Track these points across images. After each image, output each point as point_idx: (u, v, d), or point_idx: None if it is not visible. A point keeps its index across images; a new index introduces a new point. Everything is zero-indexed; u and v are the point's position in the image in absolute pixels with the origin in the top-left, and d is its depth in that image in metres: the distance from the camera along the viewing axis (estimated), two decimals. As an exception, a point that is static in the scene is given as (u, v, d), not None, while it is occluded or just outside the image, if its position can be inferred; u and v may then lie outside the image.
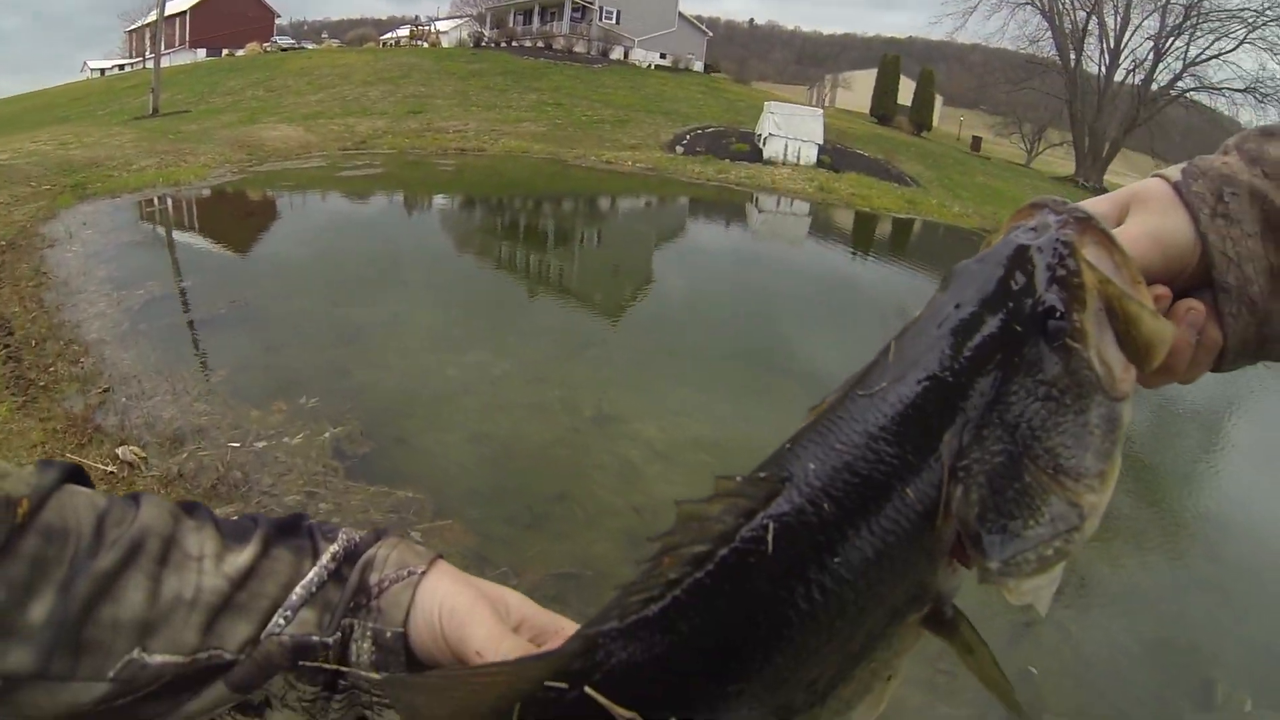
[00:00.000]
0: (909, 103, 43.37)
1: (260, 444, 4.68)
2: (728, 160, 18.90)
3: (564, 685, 0.52)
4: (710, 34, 52.14)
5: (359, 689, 0.73)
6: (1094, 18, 36.30)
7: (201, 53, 49.81)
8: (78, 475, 0.72)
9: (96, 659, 0.64)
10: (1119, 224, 0.67)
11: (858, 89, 54.60)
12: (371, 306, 7.33)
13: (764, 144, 20.05)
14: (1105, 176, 36.12)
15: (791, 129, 20.15)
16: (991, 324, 0.56)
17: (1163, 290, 0.64)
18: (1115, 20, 36.33)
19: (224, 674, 0.69)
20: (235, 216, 11.32)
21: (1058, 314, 0.55)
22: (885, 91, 42.06)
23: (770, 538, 0.51)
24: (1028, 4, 36.88)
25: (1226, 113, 37.60)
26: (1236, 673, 4.41)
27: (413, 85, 26.13)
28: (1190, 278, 0.66)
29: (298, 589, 0.72)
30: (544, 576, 3.94)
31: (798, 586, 0.51)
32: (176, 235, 9.84)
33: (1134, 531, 5.73)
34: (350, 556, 0.75)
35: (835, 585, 0.51)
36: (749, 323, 8.63)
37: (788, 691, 0.53)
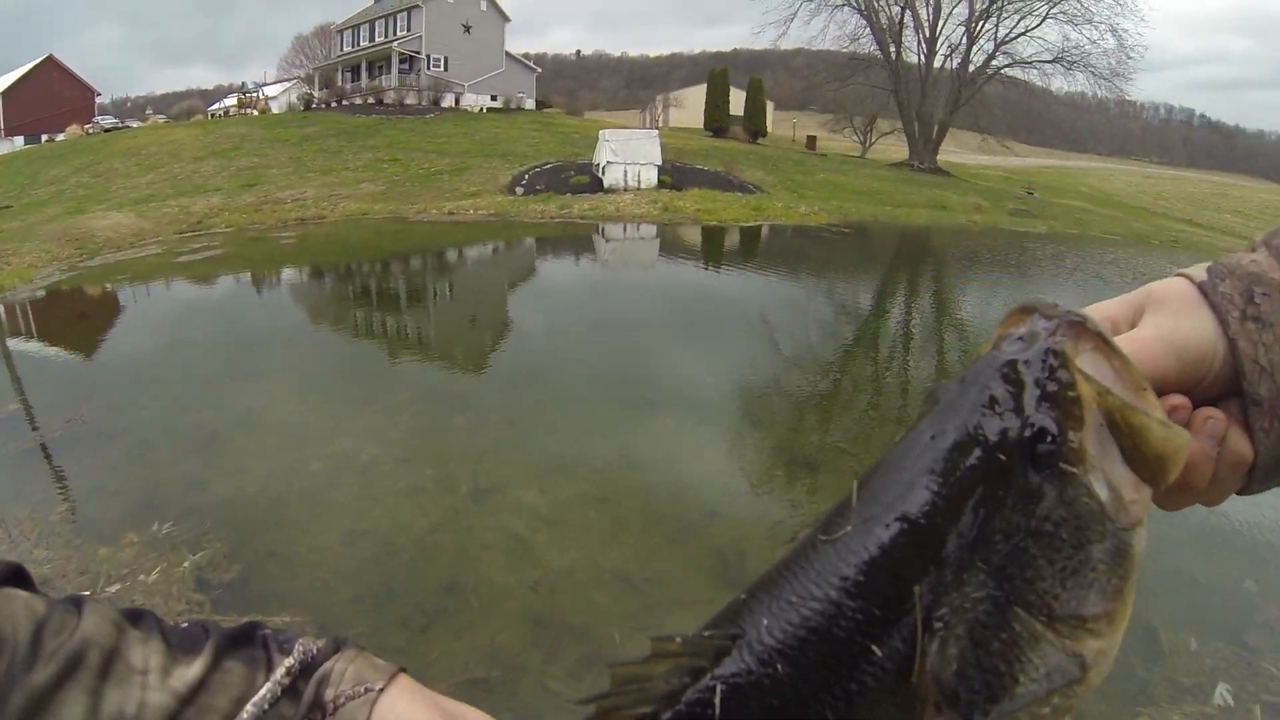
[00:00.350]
0: (741, 112, 44.26)
1: (113, 588, 4.18)
2: (569, 194, 18.79)
3: None
4: (539, 70, 52.18)
5: None
6: (908, 11, 38.01)
7: (19, 140, 46.87)
8: (17, 576, 0.68)
9: None
10: (1133, 326, 0.62)
11: (690, 106, 55.43)
12: (223, 405, 6.76)
13: (603, 173, 20.00)
14: (938, 156, 38.03)
15: (629, 154, 20.18)
16: (972, 455, 0.49)
17: (1180, 400, 0.58)
18: (928, 11, 38.29)
19: None
20: (67, 320, 10.42)
21: (1048, 437, 0.49)
22: (716, 104, 42.83)
23: (718, 701, 0.46)
24: (845, 5, 38.19)
25: (1039, 84, 40.81)
26: (1174, 613, 4.46)
27: (245, 157, 25.03)
28: (1213, 386, 0.60)
29: (249, 706, 0.67)
30: (453, 685, 3.62)
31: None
32: (-2, 352, 8.94)
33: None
34: (306, 670, 0.71)
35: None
36: (615, 356, 8.42)
37: None
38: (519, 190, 19.61)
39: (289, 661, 0.71)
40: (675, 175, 20.95)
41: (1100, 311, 0.63)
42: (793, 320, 10.78)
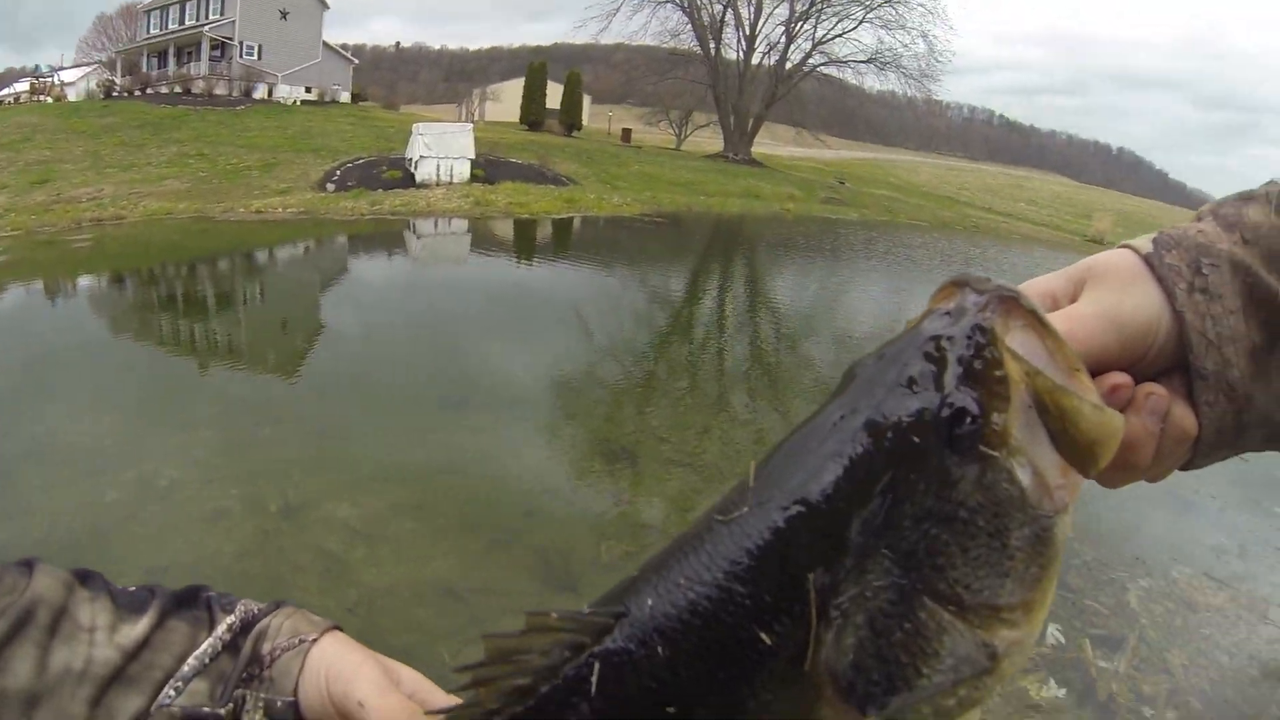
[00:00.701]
0: (558, 106, 43.91)
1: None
2: (381, 190, 18.08)
3: None
4: (356, 61, 49.88)
5: None
6: (729, 9, 38.98)
7: None
8: None
9: None
10: (1073, 301, 0.59)
11: (507, 99, 54.39)
12: (6, 435, 6.08)
13: (415, 168, 19.42)
14: (753, 149, 39.02)
15: (442, 148, 19.66)
16: (883, 437, 0.46)
17: (1122, 379, 0.55)
18: (749, 10, 39.27)
19: None
20: None
21: (968, 418, 0.45)
22: (533, 98, 42.21)
23: (594, 677, 0.44)
24: (668, 1, 38.65)
25: (853, 82, 42.92)
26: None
27: (36, 150, 22.50)
28: (1157, 360, 0.58)
29: (190, 660, 0.68)
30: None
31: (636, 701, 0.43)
32: None
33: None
34: (246, 627, 0.71)
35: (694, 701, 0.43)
36: (428, 356, 8.19)
37: None
38: (330, 186, 18.73)
39: (230, 619, 0.71)
40: (489, 169, 20.58)
41: (1038, 286, 0.61)
42: (606, 310, 10.81)
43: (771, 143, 47.31)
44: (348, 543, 4.83)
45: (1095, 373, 0.54)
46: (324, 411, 6.61)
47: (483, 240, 14.92)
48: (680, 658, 0.43)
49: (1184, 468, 0.60)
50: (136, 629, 0.68)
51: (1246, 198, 0.61)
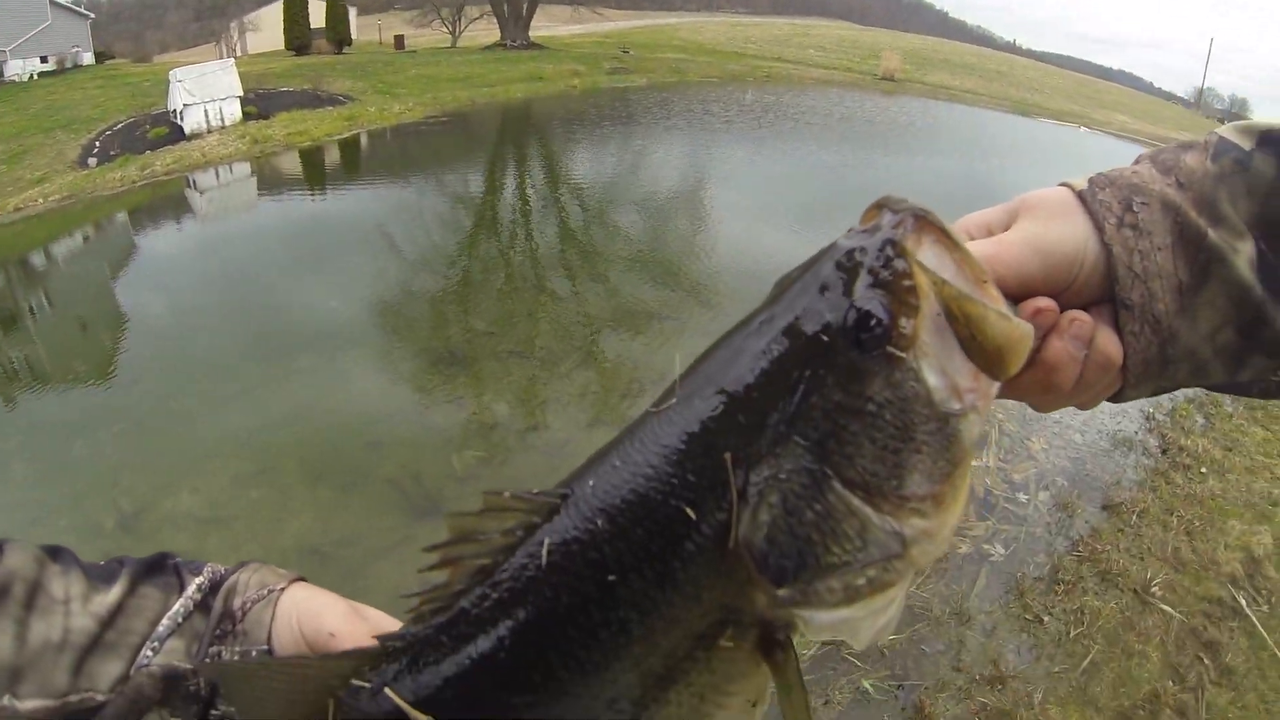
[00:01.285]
0: (323, 24, 40.44)
1: None
2: (148, 152, 16.19)
3: (367, 684, 0.51)
4: (92, 16, 43.93)
5: (231, 718, 0.68)
6: None
7: None
8: None
9: None
10: (1007, 229, 0.62)
11: (267, 27, 49.12)
12: None
13: (182, 119, 17.46)
14: (530, 33, 36.99)
15: (205, 91, 17.67)
16: (798, 335, 0.50)
17: (1046, 302, 0.58)
18: None
19: (95, 715, 0.64)
20: None
21: (873, 321, 0.49)
22: (295, 20, 38.56)
23: (544, 553, 0.49)
24: None
25: None
26: None
27: None
28: (1084, 291, 0.60)
29: (164, 621, 0.68)
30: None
31: (574, 602, 0.48)
32: None
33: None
34: (215, 587, 0.72)
35: (613, 603, 0.48)
36: (239, 314, 7.62)
37: (587, 707, 0.49)
38: (92, 162, 16.67)
39: (199, 579, 0.72)
40: (260, 103, 18.77)
41: (976, 218, 0.63)
42: (410, 223, 10.28)
43: (549, 24, 45.35)
44: (198, 534, 4.53)
45: (1022, 298, 0.57)
46: (139, 403, 6.07)
47: (269, 180, 13.77)
48: (619, 532, 0.48)
49: (1115, 399, 0.62)
50: (109, 597, 0.68)
51: (1186, 146, 0.62)
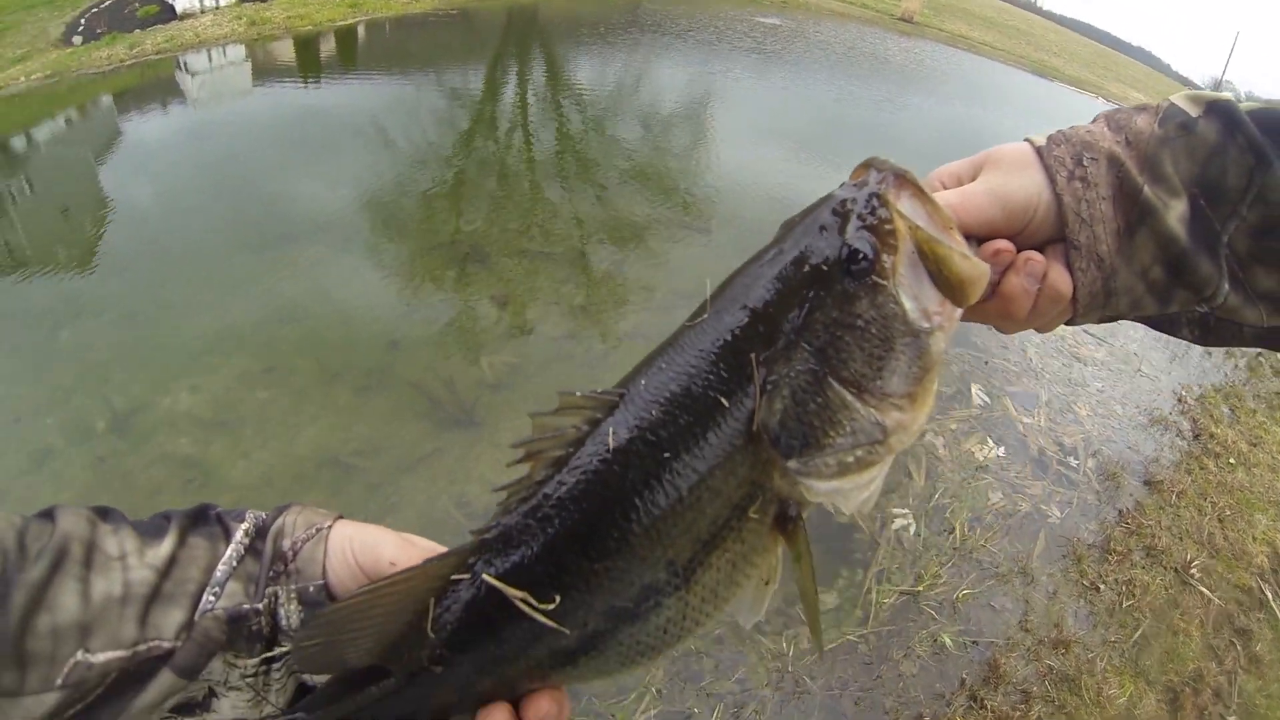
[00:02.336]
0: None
1: None
2: (138, 31, 14.94)
3: (466, 577, 0.60)
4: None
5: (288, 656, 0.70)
6: None
7: None
8: None
9: (42, 669, 0.61)
10: (973, 179, 0.73)
11: None
12: None
13: (173, -3, 16.23)
14: None
15: (197, -32, 16.40)
16: (803, 265, 0.63)
17: (1004, 244, 0.70)
18: None
19: (167, 662, 0.66)
20: None
21: (861, 256, 0.61)
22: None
23: (611, 440, 0.59)
24: None
25: None
26: None
27: None
28: (1039, 232, 0.71)
29: (220, 567, 0.70)
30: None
31: (638, 478, 0.59)
32: None
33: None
34: (261, 531, 0.74)
35: (669, 476, 0.59)
36: (234, 202, 6.85)
37: (650, 569, 0.60)
38: (77, 39, 15.38)
39: (245, 525, 0.74)
40: (255, -17, 17.52)
41: (948, 169, 0.76)
42: (406, 120, 9.39)
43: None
44: (201, 439, 3.98)
45: (986, 238, 0.71)
46: (129, 293, 5.39)
47: (265, 67, 12.71)
48: (669, 419, 0.60)
49: (1070, 323, 0.76)
50: (163, 550, 0.69)
51: (1141, 108, 0.73)
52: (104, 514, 0.71)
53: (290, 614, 0.70)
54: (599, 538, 0.59)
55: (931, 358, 0.62)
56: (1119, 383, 5.83)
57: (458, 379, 4.52)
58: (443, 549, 0.69)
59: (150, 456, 3.88)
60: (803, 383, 0.60)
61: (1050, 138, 0.71)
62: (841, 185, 0.66)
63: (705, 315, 0.63)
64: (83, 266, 5.91)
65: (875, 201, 0.62)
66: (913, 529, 4.10)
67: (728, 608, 0.64)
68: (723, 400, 0.59)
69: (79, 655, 0.62)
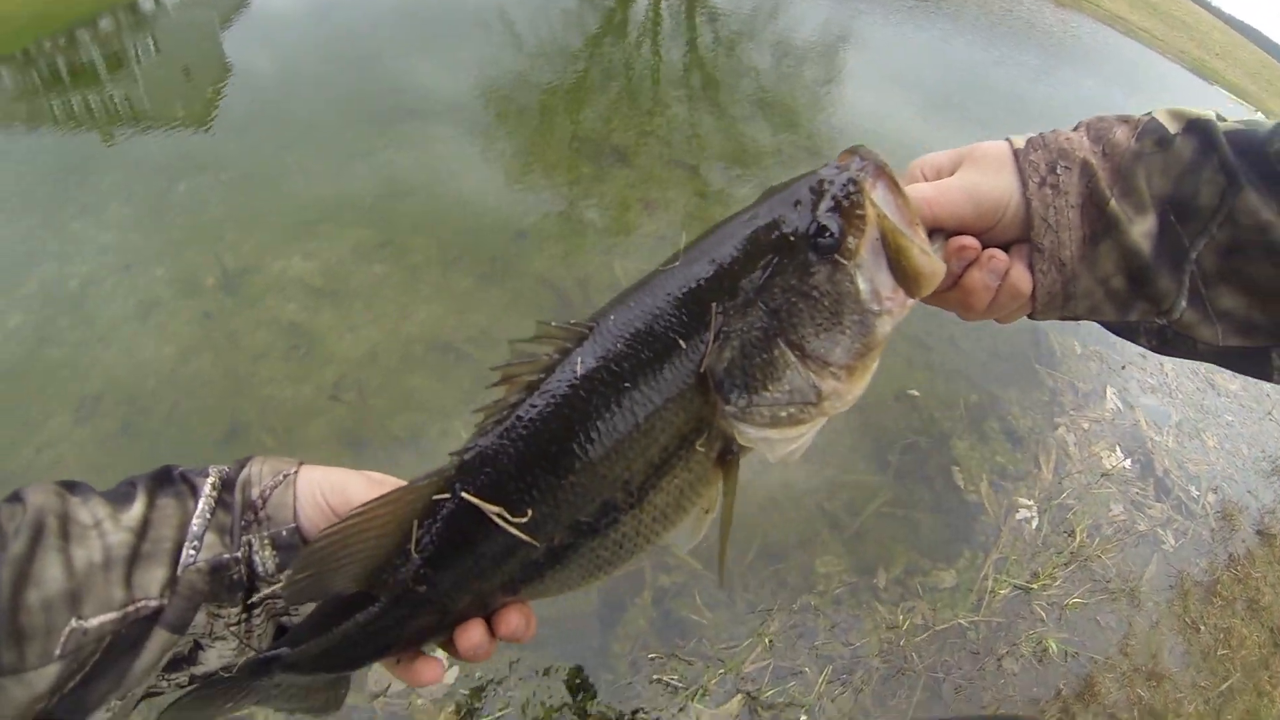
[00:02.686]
0: None
1: None
2: None
3: (446, 496, 0.64)
4: None
5: (273, 597, 0.72)
6: None
7: None
8: None
9: (39, 642, 0.61)
10: (952, 173, 0.76)
11: None
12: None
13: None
14: None
15: None
16: (773, 230, 0.67)
17: (969, 241, 0.73)
18: None
19: (157, 620, 0.67)
20: None
21: (828, 233, 0.65)
22: None
23: (579, 368, 0.63)
24: None
25: None
26: (1054, 325, 3.87)
27: None
28: (1008, 231, 0.74)
29: (194, 521, 0.70)
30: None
31: (601, 404, 0.63)
32: None
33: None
34: (227, 484, 0.74)
35: (629, 404, 0.63)
36: (354, 74, 6.53)
37: (609, 488, 0.65)
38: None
39: (211, 479, 0.73)
40: None
41: (930, 159, 0.78)
42: (535, 16, 8.85)
43: None
44: (310, 307, 3.71)
45: (954, 233, 0.74)
46: (247, 154, 5.13)
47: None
48: (632, 353, 0.64)
49: (1031, 317, 0.77)
50: (134, 512, 0.69)
51: (1124, 119, 0.74)
52: (71, 487, 0.70)
53: (266, 559, 0.71)
54: (566, 457, 0.63)
55: (875, 338, 0.65)
56: (1249, 422, 5.30)
57: (593, 279, 4.16)
58: (400, 482, 0.71)
59: (257, 319, 3.64)
60: (753, 337, 0.64)
61: (1030, 141, 0.74)
62: (825, 165, 0.69)
63: (677, 262, 0.67)
64: (201, 125, 5.69)
65: (851, 186, 0.66)
66: (1035, 523, 3.79)
67: (673, 531, 0.69)
68: (680, 341, 0.64)
69: (73, 623, 0.62)
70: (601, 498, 0.64)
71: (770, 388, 0.64)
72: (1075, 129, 0.74)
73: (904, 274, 0.65)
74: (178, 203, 4.49)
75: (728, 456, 0.67)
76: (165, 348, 3.49)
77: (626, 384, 0.63)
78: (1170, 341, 0.76)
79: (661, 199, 5.13)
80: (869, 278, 0.64)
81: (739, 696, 2.75)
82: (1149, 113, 0.73)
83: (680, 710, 2.66)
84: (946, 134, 7.77)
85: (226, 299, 3.76)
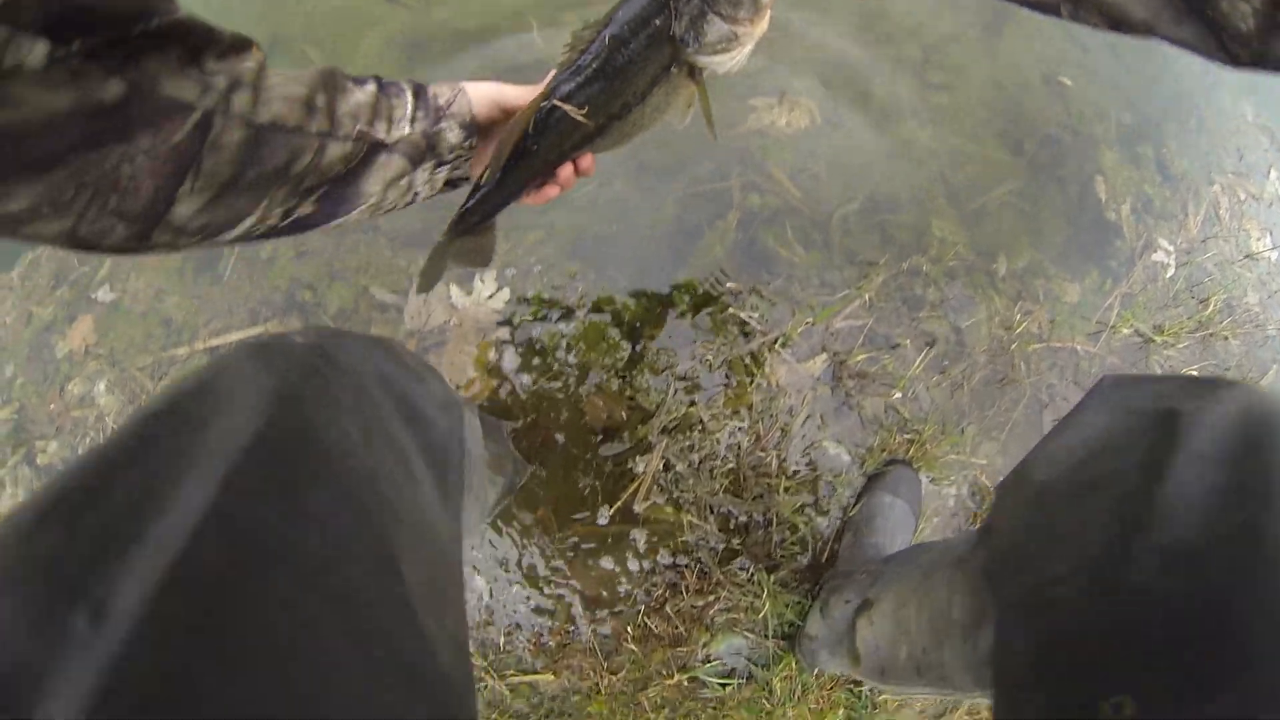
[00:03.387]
0: None
1: None
2: None
3: (549, 103, 0.90)
4: None
5: (453, 163, 0.92)
6: None
7: None
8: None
9: (347, 127, 0.76)
10: None
11: None
12: None
13: None
14: None
15: None
16: None
17: None
18: None
19: (386, 150, 0.81)
20: None
21: None
22: None
23: (607, 38, 0.86)
24: None
25: None
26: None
27: None
28: None
29: (408, 105, 0.84)
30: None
31: (619, 55, 0.87)
32: None
33: None
34: (418, 91, 0.86)
35: (634, 51, 0.87)
36: None
37: (626, 94, 0.91)
38: None
39: (407, 87, 0.86)
40: None
41: None
42: None
43: None
44: None
45: None
46: None
47: None
48: (633, 27, 0.86)
49: None
50: (369, 87, 0.81)
51: None
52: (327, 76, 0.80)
53: (453, 130, 0.89)
54: (603, 78, 0.89)
55: (761, 2, 0.84)
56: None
57: None
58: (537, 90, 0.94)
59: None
60: (695, 12, 0.83)
61: None
62: None
63: None
64: None
65: None
66: (1170, 272, 3.12)
67: (666, 115, 0.95)
68: (656, 21, 0.85)
69: (360, 126, 0.78)
70: (621, 100, 0.92)
71: (711, 35, 0.85)
72: None
73: None
74: None
75: (695, 75, 0.91)
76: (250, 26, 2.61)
77: (632, 45, 0.87)
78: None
79: None
80: None
81: (824, 355, 2.19)
82: None
83: (751, 354, 2.11)
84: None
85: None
